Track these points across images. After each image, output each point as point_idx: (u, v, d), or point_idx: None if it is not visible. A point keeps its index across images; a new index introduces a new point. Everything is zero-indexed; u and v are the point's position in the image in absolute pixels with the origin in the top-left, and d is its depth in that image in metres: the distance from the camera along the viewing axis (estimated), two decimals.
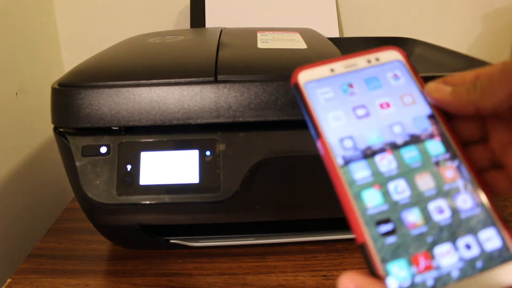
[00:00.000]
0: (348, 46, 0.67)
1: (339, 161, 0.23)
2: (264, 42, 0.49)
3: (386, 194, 0.22)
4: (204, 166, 0.39)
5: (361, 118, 0.24)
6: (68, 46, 0.83)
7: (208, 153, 0.39)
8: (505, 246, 0.21)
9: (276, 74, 0.40)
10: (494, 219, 0.22)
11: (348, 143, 0.23)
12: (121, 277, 0.44)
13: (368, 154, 0.23)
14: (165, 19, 0.81)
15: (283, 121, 0.39)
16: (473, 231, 0.22)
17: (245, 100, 0.39)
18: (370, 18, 0.83)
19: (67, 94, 0.40)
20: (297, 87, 0.25)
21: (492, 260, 0.21)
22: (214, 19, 0.74)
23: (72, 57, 0.83)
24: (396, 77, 0.25)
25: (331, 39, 0.53)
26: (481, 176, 0.23)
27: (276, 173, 0.40)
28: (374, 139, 0.23)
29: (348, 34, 0.83)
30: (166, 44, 0.50)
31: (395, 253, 0.21)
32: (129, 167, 0.39)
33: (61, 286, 0.43)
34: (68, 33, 0.82)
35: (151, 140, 0.40)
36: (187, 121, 0.39)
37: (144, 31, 0.63)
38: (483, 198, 0.22)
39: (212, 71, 0.40)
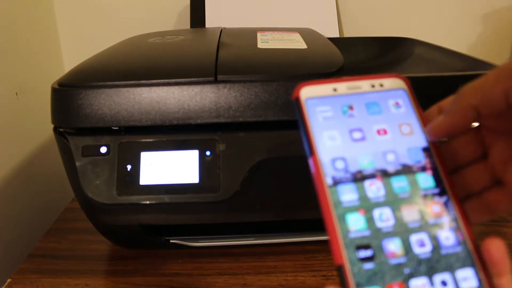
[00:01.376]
0: (348, 46, 0.67)
1: (328, 180, 0.23)
2: (264, 42, 0.49)
3: (370, 220, 0.22)
4: (204, 166, 0.39)
5: (356, 142, 0.24)
6: (68, 46, 0.83)
7: (208, 153, 0.39)
8: (481, 287, 0.21)
9: (276, 74, 0.40)
10: (473, 260, 0.22)
11: (340, 164, 0.23)
12: (121, 277, 0.44)
13: (358, 178, 0.23)
14: (165, 19, 0.81)
15: (283, 121, 0.39)
16: (451, 269, 0.22)
17: (245, 100, 0.39)
18: (370, 18, 0.83)
19: (67, 94, 0.40)
20: (297, 101, 0.24)
21: None
22: (214, 19, 0.74)
23: (72, 57, 0.83)
24: (397, 105, 0.25)
25: (331, 39, 0.53)
26: (466, 215, 0.23)
27: (276, 173, 0.40)
28: (366, 164, 0.23)
29: (348, 34, 0.83)
30: (166, 44, 0.50)
31: (370, 280, 0.21)
32: (129, 167, 0.39)
33: (61, 286, 0.43)
34: (68, 33, 0.82)
35: (151, 140, 0.40)
36: (187, 121, 0.39)
37: (144, 31, 0.63)
38: (466, 237, 0.22)
39: (212, 71, 0.40)
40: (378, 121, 0.25)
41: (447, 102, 0.26)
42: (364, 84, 0.25)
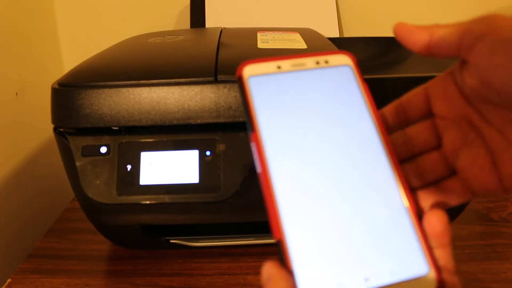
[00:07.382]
0: (348, 46, 0.67)
1: (269, 156, 0.22)
2: (264, 42, 0.49)
3: (310, 195, 0.22)
4: (204, 166, 0.39)
5: (298, 118, 0.23)
6: (68, 46, 0.83)
7: (208, 153, 0.39)
8: (421, 261, 0.21)
9: None
10: (415, 233, 0.22)
11: (281, 140, 0.23)
12: (121, 277, 0.44)
13: (299, 154, 0.22)
14: (165, 19, 0.81)
15: None
16: (392, 242, 0.21)
17: None
18: (370, 18, 0.83)
19: (67, 94, 0.40)
20: (240, 80, 0.24)
21: (407, 271, 0.21)
22: (214, 19, 0.74)
23: (72, 57, 0.83)
24: (342, 82, 0.25)
25: (331, 39, 0.53)
26: (410, 190, 0.23)
27: None
28: (309, 141, 0.23)
29: (348, 34, 0.83)
30: (166, 44, 0.50)
31: (309, 253, 0.20)
32: (129, 167, 0.39)
33: (61, 286, 0.43)
34: (68, 33, 0.82)
35: (151, 140, 0.40)
36: (187, 121, 0.39)
37: (144, 31, 0.63)
38: (409, 212, 0.22)
39: (212, 71, 0.40)
40: (321, 97, 0.24)
41: (407, 97, 0.26)
42: (308, 61, 0.25)
